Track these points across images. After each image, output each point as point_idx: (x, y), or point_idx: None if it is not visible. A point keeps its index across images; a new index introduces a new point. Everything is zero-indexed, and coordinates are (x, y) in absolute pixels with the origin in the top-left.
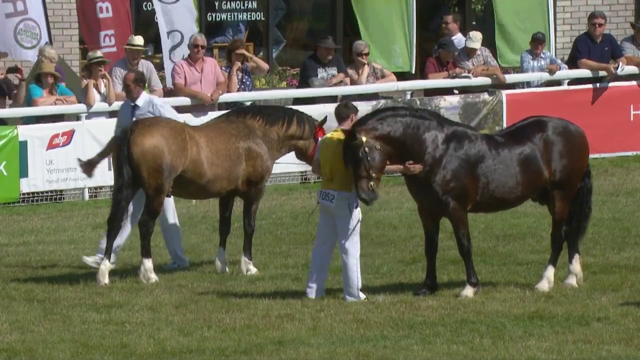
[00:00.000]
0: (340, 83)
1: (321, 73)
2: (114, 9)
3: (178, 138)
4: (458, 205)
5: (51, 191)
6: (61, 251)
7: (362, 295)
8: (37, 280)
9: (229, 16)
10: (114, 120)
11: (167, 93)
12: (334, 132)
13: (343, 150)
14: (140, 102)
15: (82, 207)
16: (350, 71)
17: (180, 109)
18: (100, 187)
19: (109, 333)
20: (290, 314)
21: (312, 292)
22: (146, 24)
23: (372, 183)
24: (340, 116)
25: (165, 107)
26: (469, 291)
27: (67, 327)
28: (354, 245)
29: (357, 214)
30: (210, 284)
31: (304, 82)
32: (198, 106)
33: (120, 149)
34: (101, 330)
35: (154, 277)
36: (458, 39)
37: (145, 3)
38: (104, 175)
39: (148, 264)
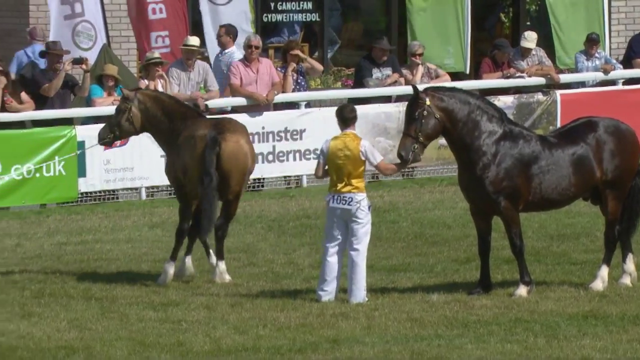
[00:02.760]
0: (394, 83)
1: (376, 73)
2: (168, 10)
3: (251, 143)
4: (510, 205)
5: (108, 191)
6: (118, 250)
7: (367, 297)
8: (95, 278)
9: (284, 17)
10: None
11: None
12: (341, 136)
13: (407, 104)
14: None
15: (139, 207)
16: (405, 71)
17: (236, 109)
18: (157, 187)
19: (165, 331)
20: (345, 312)
21: (325, 296)
22: (202, 24)
23: (416, 145)
24: (345, 119)
25: None
26: (522, 290)
27: (124, 325)
28: (365, 247)
29: (370, 216)
30: (265, 282)
31: (359, 83)
32: (253, 106)
33: (210, 154)
34: (158, 329)
35: (228, 277)
36: (230, 52)
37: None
38: (161, 175)
39: (222, 266)
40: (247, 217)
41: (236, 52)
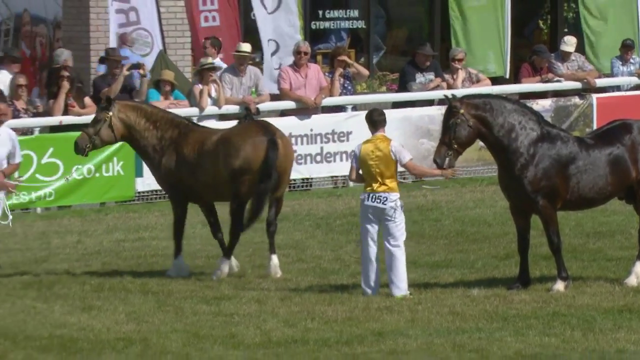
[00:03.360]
0: (437, 87)
1: (419, 78)
2: (221, 18)
3: None
4: (548, 204)
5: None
6: (173, 246)
7: (409, 291)
8: (151, 273)
9: (332, 24)
10: (225, 123)
11: (273, 97)
12: (372, 138)
13: (444, 113)
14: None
15: (192, 205)
16: (447, 76)
17: (285, 113)
18: None
19: (218, 324)
20: (390, 306)
21: (370, 291)
22: (254, 31)
23: (450, 152)
24: (375, 122)
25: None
26: (560, 285)
27: (179, 318)
28: (402, 242)
29: (403, 214)
30: (313, 278)
31: (403, 87)
32: (302, 109)
33: (273, 155)
34: (211, 321)
35: (280, 272)
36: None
37: (253, 12)
38: None
39: (275, 259)
40: (296, 215)
41: (221, 63)
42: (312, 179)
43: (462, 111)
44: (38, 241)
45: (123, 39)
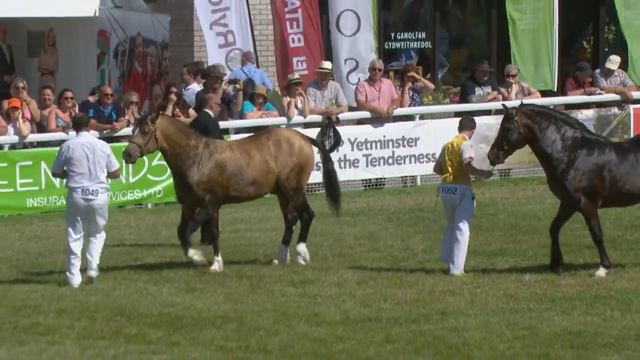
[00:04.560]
0: (494, 99)
1: (478, 91)
2: (305, 39)
3: None
4: (588, 202)
5: None
6: (265, 237)
7: (463, 270)
8: (246, 260)
9: (402, 45)
10: (309, 131)
11: (351, 108)
12: (455, 138)
13: (503, 117)
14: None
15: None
16: (502, 89)
17: (361, 121)
18: None
19: (303, 304)
20: (452, 289)
21: (455, 270)
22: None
23: (501, 152)
24: (463, 126)
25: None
26: (601, 272)
27: (269, 299)
28: (467, 228)
29: (473, 204)
30: (385, 264)
31: (464, 99)
32: (376, 119)
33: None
34: (297, 302)
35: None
36: (192, 88)
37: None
38: None
39: (303, 247)
40: (371, 210)
41: (197, 88)
42: (384, 178)
43: (516, 118)
44: (149, 232)
45: (247, 57)
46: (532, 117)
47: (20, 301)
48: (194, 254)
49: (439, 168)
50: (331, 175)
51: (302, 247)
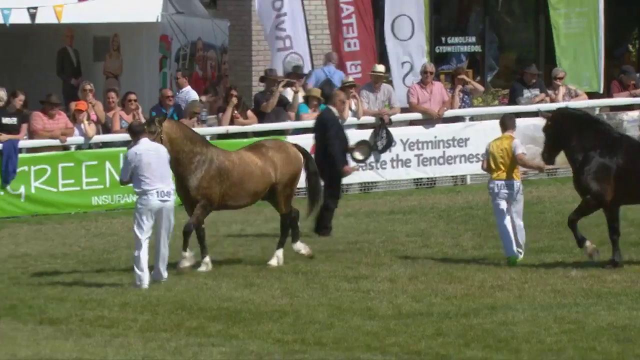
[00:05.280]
0: (541, 101)
1: (526, 93)
2: (360, 44)
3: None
4: (592, 200)
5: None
6: (320, 234)
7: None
8: (301, 256)
9: (453, 49)
10: (362, 132)
11: (403, 109)
12: (500, 137)
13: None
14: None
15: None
16: (550, 91)
17: (413, 122)
18: (351, 184)
19: (357, 299)
20: (501, 284)
21: (520, 254)
22: (387, 54)
23: (546, 154)
24: (508, 125)
25: (123, 159)
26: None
27: (324, 294)
28: (522, 216)
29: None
30: (436, 261)
31: (513, 101)
32: (427, 120)
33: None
34: (351, 297)
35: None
36: (186, 90)
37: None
38: (355, 173)
39: (300, 244)
40: (422, 209)
41: (190, 91)
42: (435, 178)
43: (549, 122)
44: (209, 229)
45: (329, 58)
46: (559, 121)
47: (86, 295)
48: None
49: (488, 166)
50: (313, 179)
51: (299, 245)
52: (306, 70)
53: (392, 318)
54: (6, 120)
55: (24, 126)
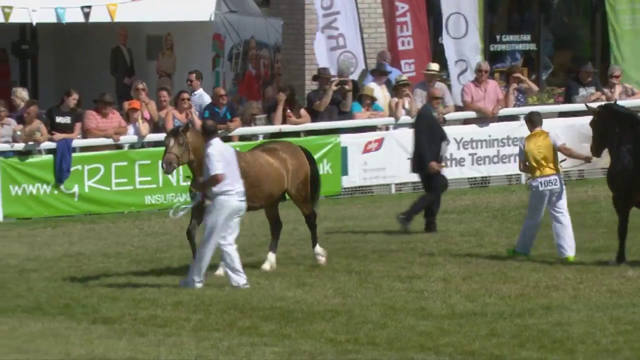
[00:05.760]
0: (597, 100)
1: (582, 92)
2: (414, 42)
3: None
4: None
5: (365, 186)
6: (373, 234)
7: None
8: (354, 256)
9: (507, 47)
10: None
11: (457, 109)
12: (533, 134)
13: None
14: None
15: (389, 199)
16: (606, 90)
17: (467, 121)
18: (404, 183)
19: (410, 298)
20: (556, 284)
21: (565, 252)
22: (442, 53)
23: (594, 148)
24: (536, 122)
25: (209, 157)
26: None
27: (377, 293)
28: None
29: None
30: (490, 260)
31: (568, 99)
32: (482, 119)
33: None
34: (404, 297)
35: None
36: (199, 93)
37: (440, 37)
38: (407, 173)
39: (320, 248)
40: (476, 208)
41: (203, 94)
42: (490, 177)
43: (595, 117)
44: (261, 228)
45: (382, 56)
46: (602, 116)
47: (139, 294)
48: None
49: (526, 167)
50: (315, 178)
51: (318, 249)
52: (360, 69)
53: (446, 318)
54: (60, 120)
55: (78, 125)
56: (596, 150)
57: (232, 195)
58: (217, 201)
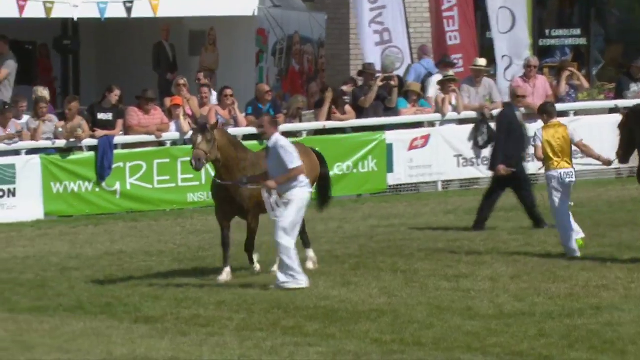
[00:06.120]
0: None
1: (633, 87)
2: (461, 37)
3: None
4: None
5: (411, 184)
6: (419, 232)
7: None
8: (400, 254)
9: (557, 41)
10: (462, 127)
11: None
12: (550, 125)
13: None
14: (271, 142)
15: (436, 197)
16: None
17: None
18: (451, 181)
19: (457, 298)
20: (606, 284)
21: (580, 234)
22: (490, 48)
23: (621, 151)
24: (552, 113)
25: (285, 149)
26: None
27: (423, 293)
28: None
29: None
30: (539, 259)
31: (619, 95)
32: (530, 115)
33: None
34: (451, 296)
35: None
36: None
37: (488, 32)
38: (454, 170)
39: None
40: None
41: (213, 93)
42: (538, 174)
43: (624, 119)
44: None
45: (424, 50)
46: (630, 117)
47: (181, 293)
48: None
49: (542, 155)
50: (325, 179)
51: (310, 253)
52: (406, 64)
53: (494, 318)
54: (102, 116)
55: (120, 122)
56: (623, 156)
57: (305, 187)
58: (294, 195)
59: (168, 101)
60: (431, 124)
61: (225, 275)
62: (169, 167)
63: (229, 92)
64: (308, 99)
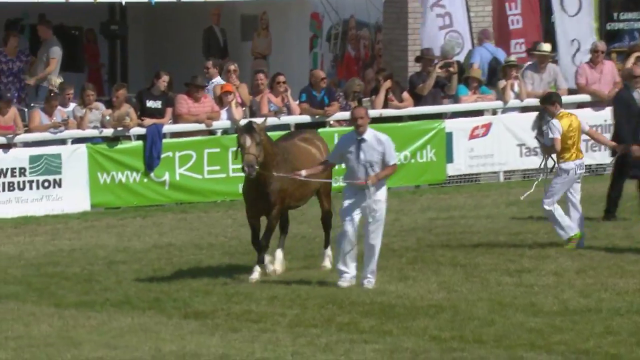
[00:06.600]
0: None
1: None
2: (524, 21)
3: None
4: None
5: (472, 174)
6: (480, 224)
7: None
8: (460, 248)
9: (625, 25)
10: (525, 115)
11: (571, 92)
12: (562, 115)
13: None
14: (367, 136)
15: (497, 188)
16: None
17: (582, 105)
18: (514, 171)
19: (519, 294)
20: None
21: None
22: (553, 32)
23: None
24: (557, 101)
25: (388, 143)
26: None
27: (484, 288)
28: None
29: None
30: (606, 253)
31: None
32: (597, 102)
33: None
34: (513, 291)
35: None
36: (217, 81)
37: (552, 15)
38: (517, 160)
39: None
40: (591, 197)
41: (221, 81)
42: (605, 164)
43: None
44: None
45: (485, 35)
46: None
47: (232, 288)
48: (268, 262)
49: (556, 147)
50: None
51: (330, 251)
52: (466, 49)
53: (558, 314)
54: (150, 104)
55: (169, 110)
56: (629, 148)
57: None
58: (383, 194)
59: (218, 89)
60: (493, 111)
61: (257, 274)
62: (219, 157)
63: (281, 78)
64: (364, 86)
